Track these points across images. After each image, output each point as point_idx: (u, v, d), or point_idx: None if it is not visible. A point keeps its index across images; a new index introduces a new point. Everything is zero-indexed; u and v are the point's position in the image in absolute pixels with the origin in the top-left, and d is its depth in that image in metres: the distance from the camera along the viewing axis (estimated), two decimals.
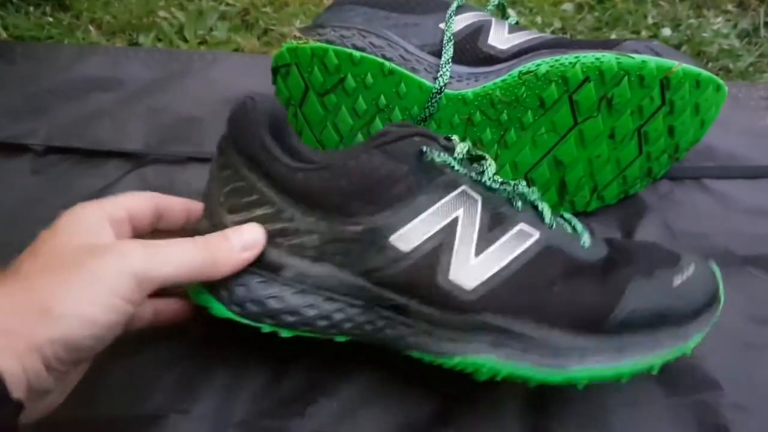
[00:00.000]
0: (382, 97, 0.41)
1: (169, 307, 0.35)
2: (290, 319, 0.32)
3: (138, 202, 0.33)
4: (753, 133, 0.50)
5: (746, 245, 0.43)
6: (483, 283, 0.31)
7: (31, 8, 0.59)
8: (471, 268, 0.31)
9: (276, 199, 0.32)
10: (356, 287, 0.32)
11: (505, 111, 0.40)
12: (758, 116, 0.51)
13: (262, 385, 0.37)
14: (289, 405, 0.36)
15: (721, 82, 0.41)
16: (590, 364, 0.31)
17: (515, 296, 0.31)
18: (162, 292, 0.31)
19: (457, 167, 0.32)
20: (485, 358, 0.31)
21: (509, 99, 0.39)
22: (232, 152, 0.34)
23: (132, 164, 0.48)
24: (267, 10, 0.59)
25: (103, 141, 0.49)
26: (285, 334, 0.32)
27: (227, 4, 0.59)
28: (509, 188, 0.33)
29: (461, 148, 0.33)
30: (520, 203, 0.33)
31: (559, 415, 0.36)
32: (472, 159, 0.34)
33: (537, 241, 0.33)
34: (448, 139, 0.34)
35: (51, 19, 0.58)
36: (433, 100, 0.40)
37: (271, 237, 0.32)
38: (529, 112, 0.40)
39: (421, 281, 0.31)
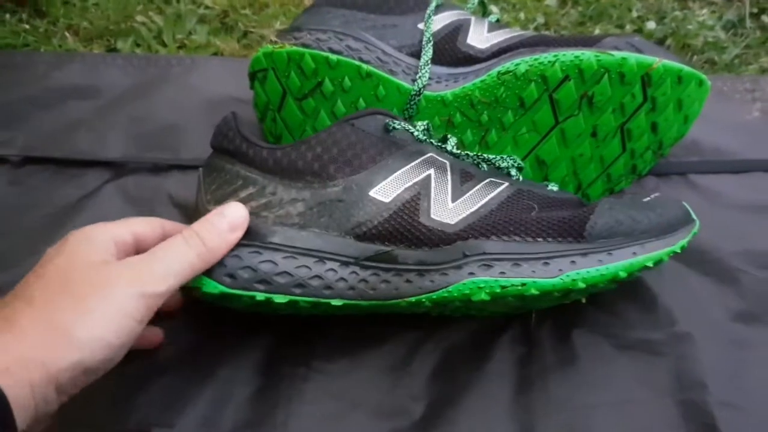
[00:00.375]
0: (361, 100, 0.40)
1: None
2: (282, 280, 0.33)
3: (145, 227, 0.33)
4: (739, 126, 0.50)
5: (733, 241, 0.43)
6: (464, 218, 0.34)
7: (7, 15, 0.58)
8: (450, 210, 0.34)
9: (259, 178, 0.35)
10: (344, 245, 0.33)
11: (485, 111, 0.39)
12: (744, 109, 0.51)
13: (247, 397, 0.36)
14: (275, 416, 0.36)
15: (703, 77, 0.41)
16: (583, 267, 0.33)
17: (497, 222, 0.33)
18: None
19: (421, 137, 0.35)
20: (479, 280, 0.32)
21: (489, 99, 0.39)
22: (216, 157, 0.37)
23: (111, 173, 0.47)
24: (246, 12, 0.58)
25: (82, 150, 0.48)
26: (278, 300, 0.33)
27: (206, 7, 0.59)
28: (473, 155, 0.36)
29: (421, 123, 0.36)
30: (485, 166, 0.37)
31: (545, 416, 0.36)
32: (435, 138, 0.37)
33: (507, 187, 0.36)
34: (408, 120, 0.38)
35: (27, 26, 0.57)
36: (412, 103, 0.39)
37: (257, 211, 0.34)
38: (510, 112, 0.39)
39: (405, 225, 0.33)
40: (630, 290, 0.40)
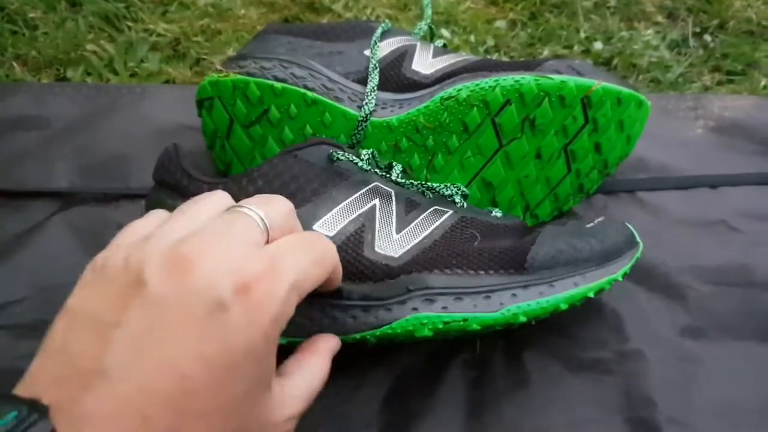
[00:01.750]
0: (308, 126, 0.40)
1: None
2: None
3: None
4: (683, 143, 0.51)
5: (679, 256, 0.44)
6: (408, 251, 0.33)
7: None
8: (394, 242, 0.34)
9: None
10: None
11: (430, 136, 0.40)
12: (687, 126, 0.52)
13: None
14: None
15: (642, 98, 0.42)
16: (524, 300, 0.33)
17: (440, 254, 0.33)
18: None
19: (365, 167, 0.35)
20: (422, 315, 0.32)
21: (433, 125, 0.39)
22: (157, 191, 0.36)
23: (58, 205, 0.46)
24: (199, 39, 0.58)
25: (28, 181, 0.47)
26: None
27: (158, 35, 0.58)
28: (417, 184, 0.37)
29: (366, 152, 0.36)
30: (430, 194, 0.37)
31: None
32: (380, 167, 0.37)
33: (451, 215, 0.36)
34: (352, 147, 0.38)
35: None
36: (360, 129, 0.39)
37: None
38: (454, 136, 0.39)
39: (349, 259, 0.33)
40: (579, 309, 0.40)
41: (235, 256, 0.23)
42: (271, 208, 0.27)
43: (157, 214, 0.28)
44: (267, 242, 0.26)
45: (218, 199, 0.28)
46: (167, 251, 0.23)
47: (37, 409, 0.20)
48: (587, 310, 0.41)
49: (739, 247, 0.45)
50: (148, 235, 0.25)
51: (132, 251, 0.24)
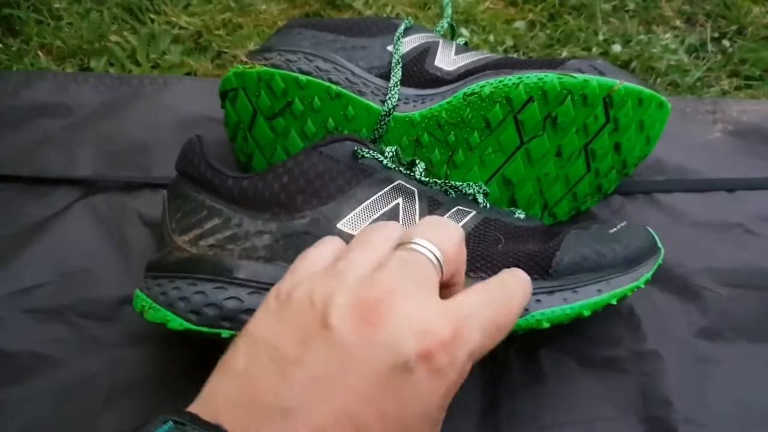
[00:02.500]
0: (331, 119, 0.41)
1: None
2: (247, 317, 0.32)
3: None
4: (701, 146, 0.51)
5: (696, 258, 0.44)
6: None
7: None
8: None
9: (224, 209, 0.34)
10: None
11: (452, 132, 0.40)
12: (705, 130, 0.52)
13: None
14: None
15: (663, 99, 0.42)
16: (548, 306, 0.33)
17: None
18: None
19: (388, 164, 0.35)
20: None
21: (455, 120, 0.39)
22: (180, 182, 0.36)
23: (81, 192, 0.47)
24: (220, 32, 0.59)
25: (51, 168, 0.48)
26: (225, 334, 0.32)
27: (180, 28, 0.59)
28: (440, 182, 0.37)
29: (390, 149, 0.36)
30: (453, 193, 0.37)
31: None
32: (404, 165, 0.37)
33: (475, 216, 0.36)
34: (375, 142, 0.38)
35: (0, 45, 0.57)
36: (382, 123, 0.40)
37: (222, 244, 0.33)
38: (476, 132, 0.40)
39: None
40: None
41: (422, 314, 0.23)
42: (444, 240, 0.26)
43: (334, 243, 0.28)
44: (441, 278, 0.26)
45: (392, 230, 0.27)
46: (354, 294, 0.23)
47: None
48: (604, 309, 0.41)
49: (756, 250, 0.45)
50: (329, 267, 0.25)
51: (317, 286, 0.24)
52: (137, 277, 0.37)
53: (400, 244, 0.26)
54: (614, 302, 0.34)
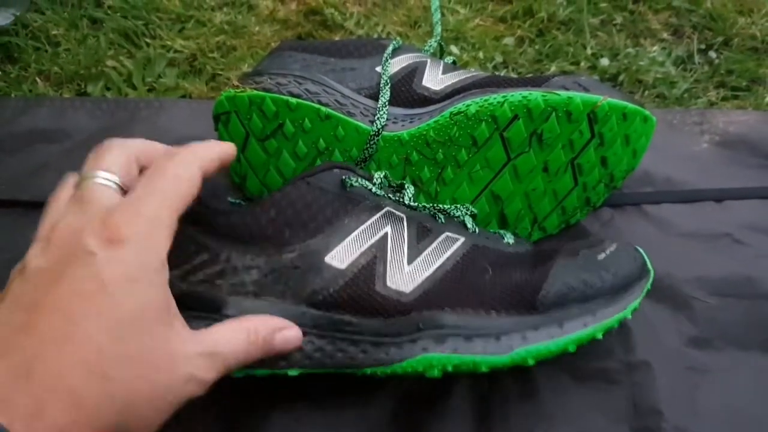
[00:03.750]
0: (321, 140, 0.41)
1: None
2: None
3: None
4: (688, 157, 0.52)
5: (685, 268, 0.45)
6: (419, 285, 0.34)
7: None
8: (406, 275, 0.34)
9: (212, 244, 0.34)
10: (300, 315, 0.33)
11: (440, 150, 0.41)
12: (693, 141, 0.53)
13: None
14: None
15: (648, 113, 0.43)
16: (533, 343, 0.33)
17: (451, 290, 0.34)
18: None
19: (377, 192, 0.35)
20: (432, 356, 0.33)
21: (443, 139, 0.40)
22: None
23: None
24: (214, 55, 0.60)
25: (49, 193, 0.48)
26: (236, 374, 0.32)
27: (175, 51, 0.60)
28: (429, 207, 0.37)
29: (378, 175, 0.36)
30: (442, 217, 0.37)
31: None
32: (393, 188, 0.38)
33: (463, 243, 0.36)
34: (365, 161, 0.39)
35: None
36: (372, 143, 0.41)
37: (211, 279, 0.33)
38: (463, 150, 0.41)
39: (361, 293, 0.33)
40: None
41: (91, 215, 0.28)
42: (109, 161, 0.31)
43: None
44: (124, 192, 0.30)
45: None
46: (43, 236, 0.29)
47: None
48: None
49: (745, 259, 0.45)
50: None
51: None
52: None
53: (77, 184, 0.31)
54: (600, 336, 0.34)
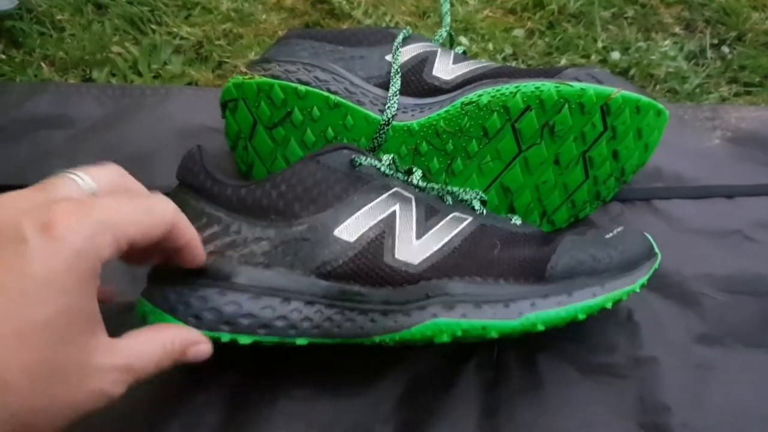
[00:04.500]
0: (330, 129, 0.41)
1: None
2: (247, 322, 0.33)
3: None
4: (699, 153, 0.51)
5: (694, 265, 0.44)
6: (427, 258, 0.34)
7: None
8: (414, 248, 0.34)
9: (223, 216, 0.34)
10: (309, 285, 0.33)
11: (450, 141, 0.40)
12: (704, 137, 0.52)
13: (216, 424, 0.36)
14: None
15: (661, 107, 0.42)
16: (543, 309, 0.33)
17: (460, 262, 0.34)
18: None
19: (386, 171, 0.36)
20: (441, 321, 0.33)
21: (453, 129, 0.40)
22: (181, 191, 0.37)
23: None
24: (221, 43, 0.59)
25: None
26: (243, 341, 0.33)
27: (181, 38, 0.60)
28: (437, 187, 0.37)
29: (387, 157, 0.37)
30: (450, 199, 0.37)
31: None
32: (400, 171, 0.38)
33: (471, 222, 0.36)
34: (373, 151, 0.39)
35: (3, 57, 0.58)
36: (381, 132, 0.40)
37: (222, 250, 0.34)
38: (474, 141, 0.40)
39: (370, 265, 0.33)
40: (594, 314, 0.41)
41: (43, 201, 0.25)
42: (98, 171, 0.29)
43: None
44: (88, 195, 0.28)
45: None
46: None
47: None
48: (601, 315, 0.41)
49: (755, 257, 0.45)
50: None
51: None
52: (140, 285, 0.37)
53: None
54: (609, 306, 0.34)
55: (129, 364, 0.27)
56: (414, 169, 0.37)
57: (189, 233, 0.31)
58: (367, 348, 0.38)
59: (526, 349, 0.39)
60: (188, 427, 0.36)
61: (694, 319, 0.42)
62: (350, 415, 0.37)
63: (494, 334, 0.33)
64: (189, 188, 0.36)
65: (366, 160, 0.35)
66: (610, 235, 0.37)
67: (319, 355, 0.38)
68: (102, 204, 0.26)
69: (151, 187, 0.46)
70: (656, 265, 0.37)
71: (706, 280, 0.44)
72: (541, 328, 0.33)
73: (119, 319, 0.40)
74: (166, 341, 0.30)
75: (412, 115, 0.40)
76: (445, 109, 0.40)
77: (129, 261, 0.32)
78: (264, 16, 0.62)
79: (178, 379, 0.38)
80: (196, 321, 0.32)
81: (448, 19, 0.47)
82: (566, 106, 0.39)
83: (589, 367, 0.39)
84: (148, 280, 0.36)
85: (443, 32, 0.47)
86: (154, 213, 0.28)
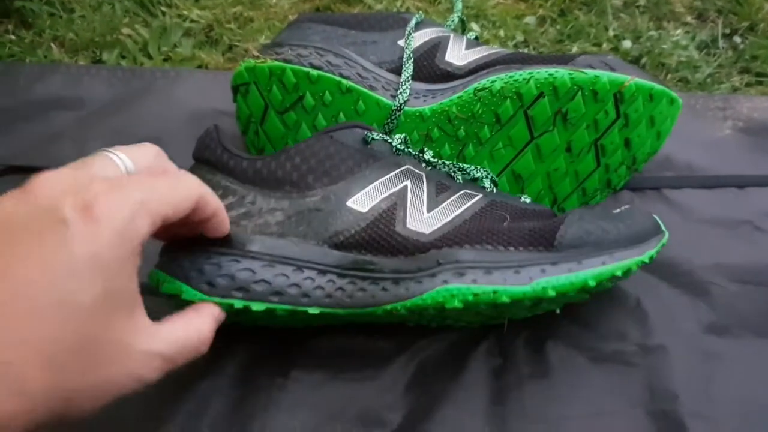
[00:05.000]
0: (341, 114, 0.41)
1: None
2: (260, 288, 0.33)
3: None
4: (710, 143, 0.51)
5: (705, 254, 0.44)
6: (439, 228, 0.35)
7: None
8: (425, 220, 0.35)
9: (238, 188, 0.35)
10: (322, 254, 0.34)
11: (462, 127, 0.40)
12: (715, 127, 0.52)
13: (224, 408, 0.36)
14: (252, 426, 0.36)
15: (674, 95, 0.42)
16: (553, 275, 0.33)
17: (471, 232, 0.34)
18: None
19: (398, 147, 0.36)
20: (452, 287, 0.33)
21: (466, 115, 0.40)
22: (197, 168, 0.37)
23: None
24: (231, 26, 0.59)
25: (64, 160, 0.48)
26: (256, 307, 0.33)
27: (192, 21, 0.59)
28: (449, 164, 0.38)
29: (399, 136, 0.37)
30: (460, 177, 0.38)
31: (520, 427, 0.36)
32: (412, 150, 0.38)
33: (481, 198, 0.36)
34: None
35: (13, 37, 0.58)
36: (393, 117, 0.40)
37: (237, 220, 0.34)
38: (486, 127, 0.40)
39: (381, 234, 0.34)
40: (603, 302, 0.41)
41: (81, 181, 0.25)
42: (135, 151, 0.29)
43: None
44: (123, 171, 0.28)
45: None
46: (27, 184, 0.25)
47: None
48: (611, 303, 0.41)
49: (765, 247, 0.45)
50: None
51: None
52: (150, 266, 0.37)
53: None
54: (619, 274, 0.34)
55: (168, 351, 0.27)
56: (425, 149, 0.38)
57: (214, 204, 0.31)
58: (377, 333, 0.39)
59: (534, 336, 0.39)
60: (193, 414, 0.36)
61: (703, 309, 0.42)
62: (357, 402, 0.37)
63: (505, 299, 0.33)
64: (205, 164, 0.37)
65: (378, 135, 0.36)
66: (618, 210, 0.37)
67: (325, 340, 0.39)
68: (137, 183, 0.26)
69: None
70: (664, 240, 0.37)
71: (716, 270, 0.44)
72: (552, 294, 0.33)
73: None
74: (203, 324, 0.30)
75: (424, 101, 0.40)
76: (457, 95, 0.40)
77: (157, 236, 0.32)
78: (275, 0, 0.62)
79: (182, 366, 0.38)
80: (209, 288, 0.33)
81: (459, 5, 0.47)
82: (579, 93, 0.39)
83: (598, 355, 0.39)
84: (161, 256, 0.36)
85: (455, 18, 0.46)
86: (181, 188, 0.28)
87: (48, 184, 0.24)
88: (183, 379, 0.37)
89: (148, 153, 0.29)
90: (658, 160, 0.47)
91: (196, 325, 0.30)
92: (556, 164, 0.41)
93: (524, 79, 0.39)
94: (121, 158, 0.28)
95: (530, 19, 0.61)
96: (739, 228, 0.46)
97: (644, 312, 0.41)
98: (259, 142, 0.44)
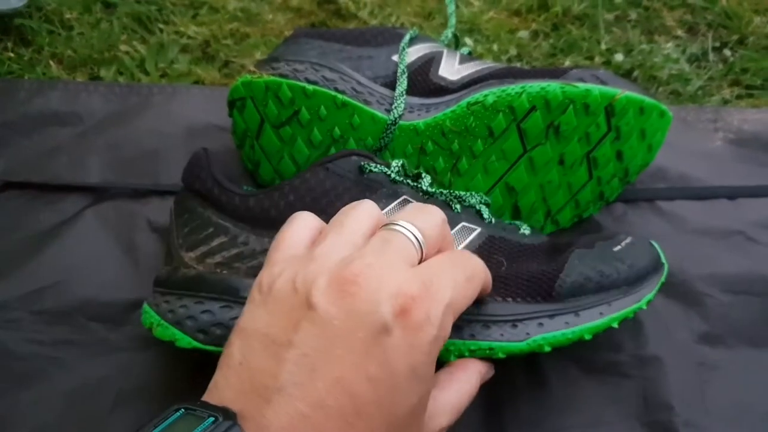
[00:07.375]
0: (337, 128, 0.41)
1: None
2: None
3: None
4: (702, 154, 0.51)
5: (698, 265, 0.44)
6: None
7: None
8: None
9: (230, 227, 0.34)
10: None
11: (455, 140, 0.41)
12: (707, 138, 0.53)
13: None
14: None
15: (665, 108, 0.42)
16: (550, 330, 0.33)
17: None
18: None
19: (395, 177, 0.36)
20: (449, 342, 0.32)
21: (459, 129, 0.40)
22: (188, 197, 0.37)
23: (90, 199, 0.47)
24: (228, 42, 0.60)
25: (62, 176, 0.49)
26: None
27: (188, 37, 0.60)
28: (446, 193, 0.37)
29: (396, 163, 0.36)
30: (458, 206, 0.37)
31: None
32: (410, 177, 0.37)
33: (480, 234, 0.36)
34: (380, 150, 0.39)
35: (12, 54, 0.58)
36: (388, 131, 0.41)
37: (229, 262, 0.33)
38: (479, 141, 0.40)
39: None
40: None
41: (394, 279, 0.24)
42: (424, 222, 0.28)
43: (307, 222, 0.29)
44: (422, 258, 0.27)
45: (369, 209, 0.28)
46: (333, 273, 0.24)
47: (228, 416, 0.22)
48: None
49: (757, 257, 0.45)
50: (307, 253, 0.26)
51: (298, 272, 0.25)
52: (146, 282, 0.37)
53: (383, 227, 0.27)
54: (615, 325, 0.34)
55: (448, 422, 0.28)
56: (423, 175, 0.37)
57: (489, 285, 0.31)
58: None
59: None
60: None
61: (697, 319, 0.42)
62: None
63: (501, 355, 0.33)
64: (197, 194, 0.36)
65: (375, 167, 0.35)
66: (618, 247, 0.37)
67: None
68: (442, 283, 0.25)
69: (157, 185, 0.48)
70: (663, 278, 0.37)
71: (710, 281, 0.44)
72: (547, 349, 0.33)
73: (124, 316, 0.41)
74: (472, 386, 0.31)
75: (419, 115, 0.41)
76: (451, 108, 0.40)
77: None
78: (271, 16, 0.62)
79: (185, 365, 0.38)
80: (204, 336, 0.32)
81: (453, 20, 0.48)
82: (571, 106, 0.39)
83: (593, 366, 0.39)
84: (154, 288, 0.36)
85: (449, 33, 0.47)
86: (476, 280, 0.29)
87: (366, 285, 0.24)
88: (184, 378, 0.38)
89: (434, 224, 0.28)
90: (651, 171, 0.48)
91: (466, 390, 0.31)
92: (549, 177, 0.42)
93: (516, 93, 0.39)
94: (415, 235, 0.27)
95: (523, 34, 0.62)
96: (732, 238, 0.46)
97: (638, 323, 0.41)
98: (255, 156, 0.44)
